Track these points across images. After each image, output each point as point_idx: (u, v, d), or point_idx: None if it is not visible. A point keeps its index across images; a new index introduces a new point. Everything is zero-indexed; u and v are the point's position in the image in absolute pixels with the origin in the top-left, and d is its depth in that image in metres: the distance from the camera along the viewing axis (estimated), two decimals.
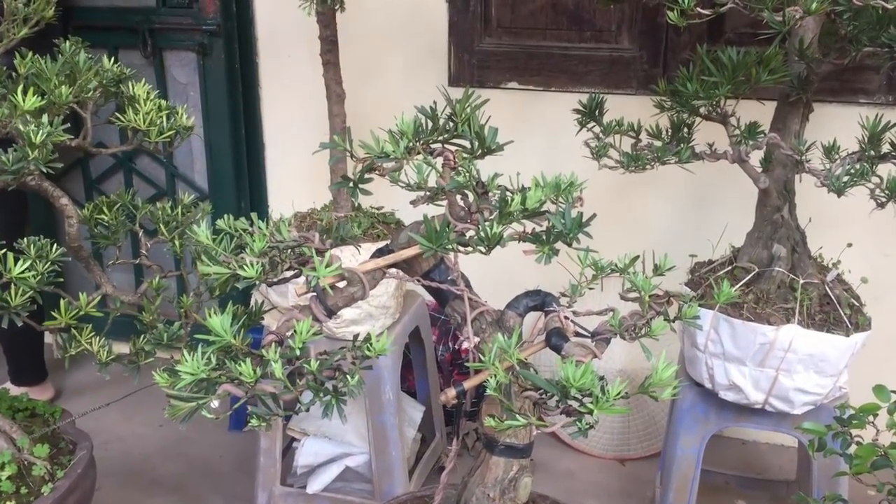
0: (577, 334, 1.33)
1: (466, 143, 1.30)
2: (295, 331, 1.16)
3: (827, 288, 1.93)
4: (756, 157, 1.97)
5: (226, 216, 1.35)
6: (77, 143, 1.76)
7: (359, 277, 1.28)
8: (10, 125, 1.57)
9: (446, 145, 1.31)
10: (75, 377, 3.23)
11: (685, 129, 2.03)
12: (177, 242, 1.84)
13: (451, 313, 1.40)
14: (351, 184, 1.28)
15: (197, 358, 1.12)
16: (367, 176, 1.27)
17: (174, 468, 2.78)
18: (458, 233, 1.26)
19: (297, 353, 1.16)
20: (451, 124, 1.29)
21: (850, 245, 2.03)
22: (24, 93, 1.57)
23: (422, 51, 2.87)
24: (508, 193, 1.26)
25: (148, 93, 1.80)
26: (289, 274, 1.32)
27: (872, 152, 1.82)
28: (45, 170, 1.58)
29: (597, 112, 2.07)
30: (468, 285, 1.39)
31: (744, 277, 1.96)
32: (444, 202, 1.30)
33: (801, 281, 1.92)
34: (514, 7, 2.76)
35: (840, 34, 1.81)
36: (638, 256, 1.34)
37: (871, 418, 1.43)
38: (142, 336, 1.82)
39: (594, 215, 1.22)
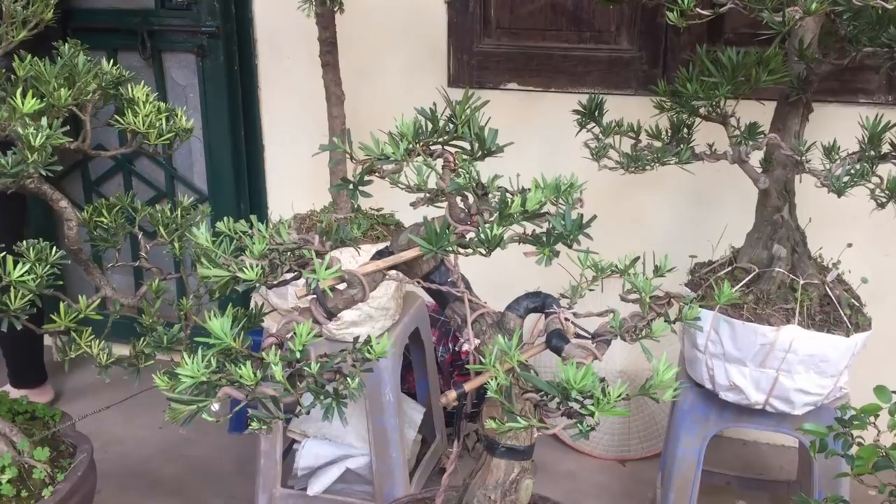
0: (578, 336, 1.33)
1: (466, 145, 1.30)
2: (295, 333, 1.16)
3: (827, 288, 1.92)
4: (756, 158, 1.96)
5: (225, 218, 1.35)
6: (76, 146, 1.76)
7: (359, 279, 1.28)
8: (9, 128, 1.57)
9: (446, 147, 1.31)
10: (75, 380, 3.22)
11: (685, 130, 2.03)
12: (176, 245, 1.84)
13: (451, 315, 1.40)
14: (351, 186, 1.28)
15: (197, 361, 1.12)
16: (366, 178, 1.27)
17: (174, 470, 2.78)
18: (459, 234, 1.26)
19: (298, 355, 1.16)
20: (451, 126, 1.29)
21: (850, 245, 2.02)
22: (24, 95, 1.57)
23: (421, 52, 2.87)
24: (508, 195, 1.26)
25: (147, 95, 1.80)
26: (288, 276, 1.32)
27: (872, 152, 1.81)
28: (44, 172, 1.57)
29: (596, 113, 2.06)
30: (468, 287, 1.39)
31: (744, 278, 1.96)
32: (444, 204, 1.30)
33: (802, 281, 1.92)
34: (514, 8, 2.76)
35: (840, 34, 1.81)
36: (638, 257, 1.34)
37: (872, 419, 1.42)
38: (142, 339, 1.82)
39: (594, 217, 1.22)
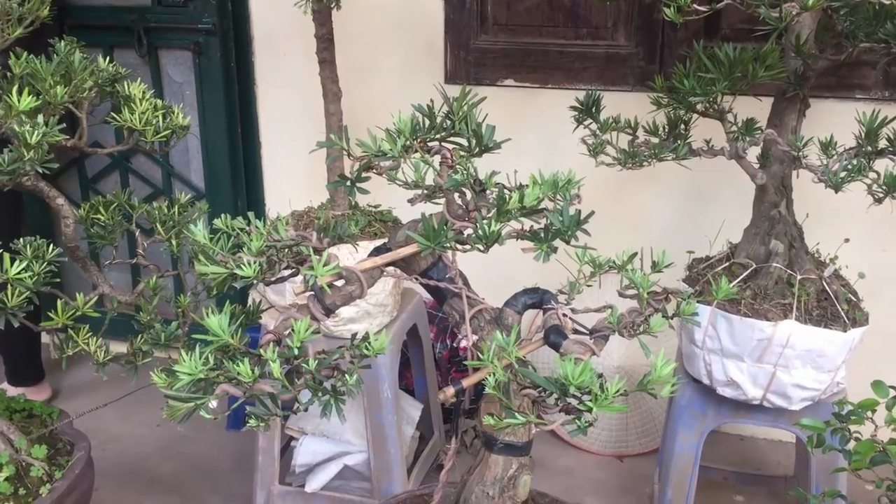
0: (576, 331, 1.33)
1: (464, 141, 1.30)
2: (293, 330, 1.16)
3: (824, 283, 1.93)
4: (753, 154, 1.96)
5: (223, 215, 1.34)
6: (73, 143, 1.76)
7: (357, 276, 1.27)
8: (5, 125, 1.57)
9: (443, 143, 1.31)
10: (72, 377, 3.22)
11: (682, 126, 2.03)
12: (174, 242, 1.83)
13: (449, 311, 1.40)
14: (348, 182, 1.27)
15: (195, 358, 1.12)
16: (364, 174, 1.27)
17: (172, 468, 2.78)
18: (456, 231, 1.25)
19: (296, 352, 1.16)
20: (448, 122, 1.28)
21: (847, 240, 2.03)
22: (20, 93, 1.56)
23: (418, 48, 2.86)
24: (506, 191, 1.26)
25: (143, 92, 1.80)
26: (286, 273, 1.31)
27: (869, 148, 1.81)
28: (40, 170, 1.57)
29: (593, 109, 2.07)
30: (466, 283, 1.39)
31: (741, 273, 1.97)
32: (442, 200, 1.30)
33: (799, 277, 1.92)
34: (510, 4, 2.76)
35: (836, 30, 1.81)
36: (636, 253, 1.34)
37: (869, 414, 1.43)
38: (139, 336, 1.82)
39: (592, 212, 1.22)
